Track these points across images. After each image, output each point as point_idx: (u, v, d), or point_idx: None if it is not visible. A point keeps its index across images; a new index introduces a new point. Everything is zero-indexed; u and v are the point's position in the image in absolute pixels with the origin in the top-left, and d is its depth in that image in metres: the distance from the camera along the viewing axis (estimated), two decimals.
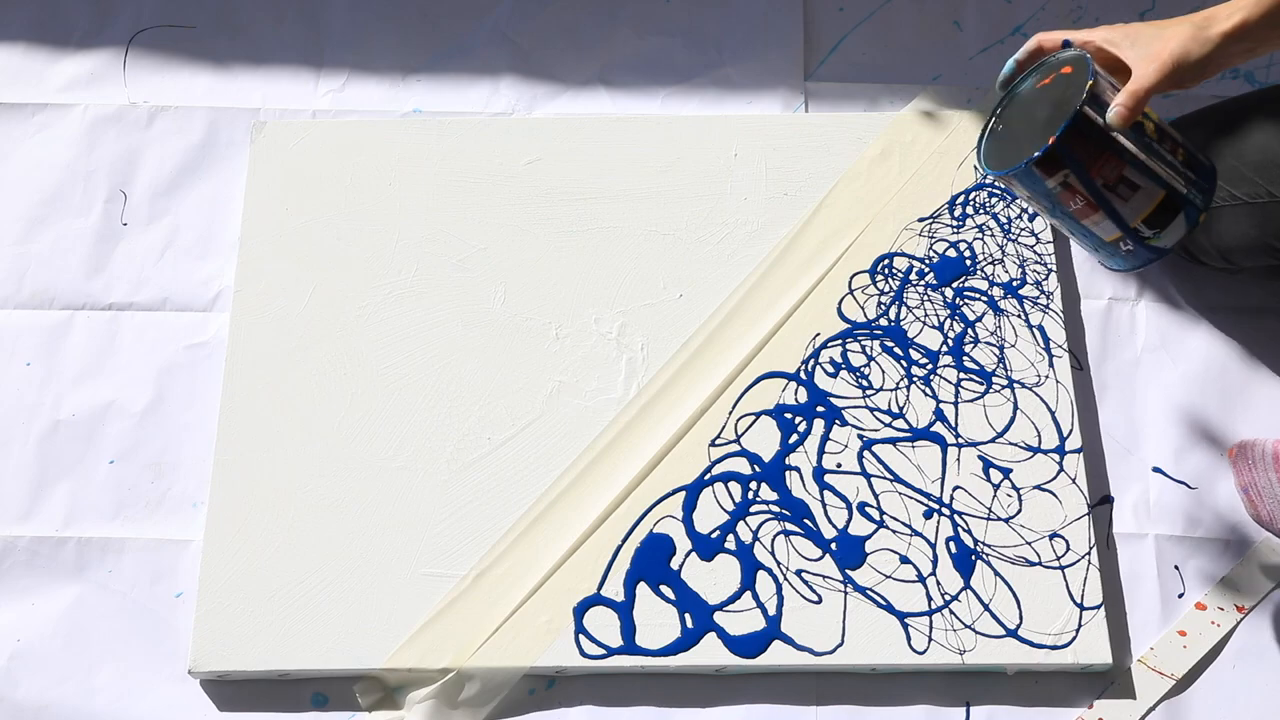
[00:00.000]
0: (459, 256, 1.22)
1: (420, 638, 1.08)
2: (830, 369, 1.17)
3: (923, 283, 1.20)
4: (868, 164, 1.26)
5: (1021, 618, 1.08)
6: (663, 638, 1.07)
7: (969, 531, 1.11)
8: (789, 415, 1.15)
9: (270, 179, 1.26)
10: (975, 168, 0.95)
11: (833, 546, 1.10)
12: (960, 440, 1.14)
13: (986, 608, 1.08)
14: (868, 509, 1.12)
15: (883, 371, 1.17)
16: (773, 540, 1.10)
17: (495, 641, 1.08)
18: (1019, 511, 1.12)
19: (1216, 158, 1.10)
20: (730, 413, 1.15)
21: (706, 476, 1.13)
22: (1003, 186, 0.94)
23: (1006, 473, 1.13)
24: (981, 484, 1.13)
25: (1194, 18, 0.91)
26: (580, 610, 1.09)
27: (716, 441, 1.14)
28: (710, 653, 1.07)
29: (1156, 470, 1.16)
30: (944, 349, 1.18)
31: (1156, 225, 0.91)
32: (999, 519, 1.11)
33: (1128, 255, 0.94)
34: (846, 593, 1.09)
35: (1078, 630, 1.07)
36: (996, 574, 1.09)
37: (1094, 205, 0.90)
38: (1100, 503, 1.14)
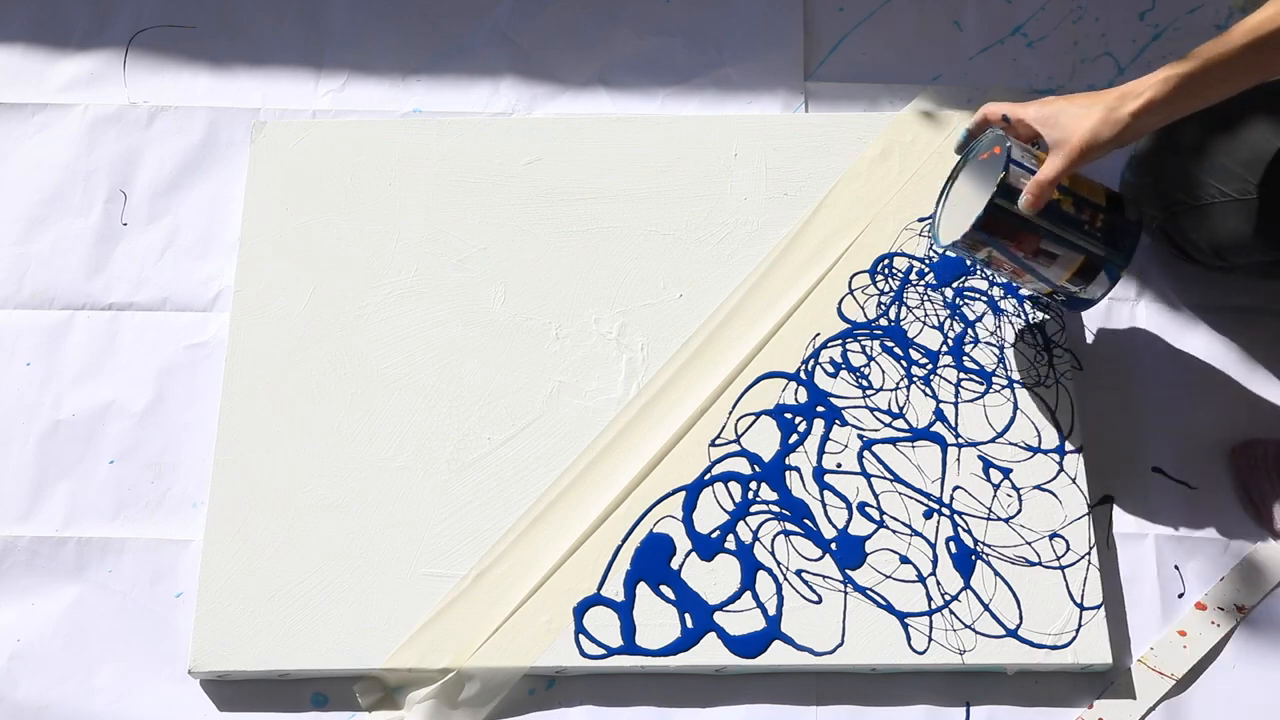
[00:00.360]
0: (459, 256, 1.22)
1: (420, 638, 1.08)
2: (830, 369, 1.17)
3: (923, 283, 1.20)
4: (868, 164, 1.26)
5: (1021, 618, 1.08)
6: (663, 638, 1.07)
7: (969, 531, 1.11)
8: (789, 415, 1.15)
9: (270, 179, 1.26)
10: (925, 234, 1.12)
11: (833, 546, 1.10)
12: (960, 440, 1.14)
13: (986, 608, 1.08)
14: (868, 509, 1.12)
15: (883, 371, 1.17)
16: (773, 540, 1.10)
17: (495, 641, 1.08)
18: (1019, 511, 1.12)
19: (1207, 155, 1.11)
20: (730, 413, 1.15)
21: (706, 476, 1.13)
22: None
23: (1006, 473, 1.13)
24: (981, 484, 1.13)
25: (1109, 96, 0.97)
26: (580, 610, 1.09)
27: (716, 441, 1.14)
28: (710, 653, 1.07)
29: (1156, 470, 1.16)
30: (944, 349, 1.18)
31: (1081, 283, 1.04)
32: (999, 519, 1.11)
33: (1064, 304, 1.07)
34: (846, 593, 1.09)
35: (1078, 630, 1.07)
36: (996, 574, 1.09)
37: (1021, 272, 1.04)
38: (1100, 503, 1.14)
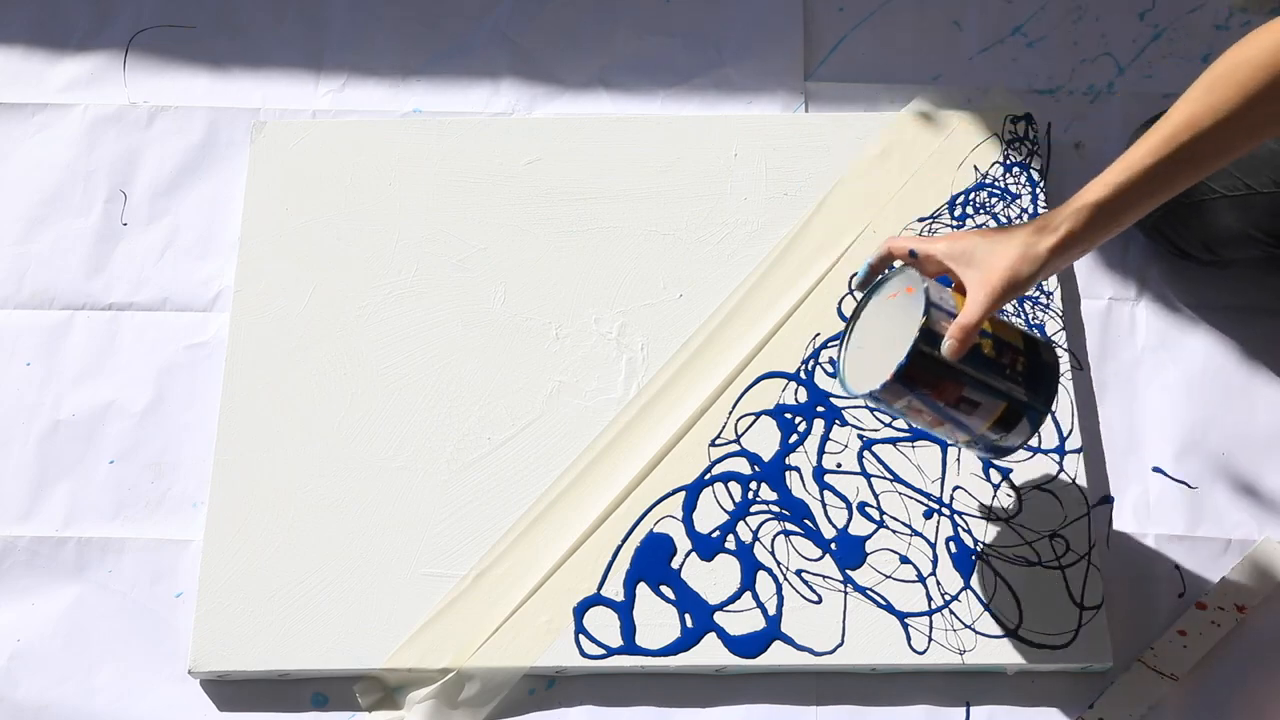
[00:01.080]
0: (459, 256, 1.22)
1: (420, 638, 1.08)
2: (830, 369, 1.17)
3: None
4: (868, 164, 1.26)
5: (1021, 618, 1.08)
6: (663, 638, 1.07)
7: (969, 531, 1.11)
8: (789, 415, 1.15)
9: (270, 179, 1.26)
10: (830, 372, 0.99)
11: (833, 546, 1.10)
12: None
13: (987, 608, 1.08)
14: (868, 509, 1.12)
15: None
16: (773, 540, 1.10)
17: (495, 641, 1.08)
18: (1019, 511, 1.12)
19: None
20: (730, 413, 1.15)
21: (706, 476, 1.13)
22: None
23: (1006, 473, 1.13)
24: (981, 484, 1.13)
25: (1024, 231, 0.92)
26: (580, 610, 1.09)
27: (716, 441, 1.14)
28: (710, 653, 1.07)
29: (1156, 470, 1.16)
30: None
31: (1002, 430, 0.95)
32: (999, 519, 1.11)
33: (981, 451, 0.99)
34: (846, 593, 1.09)
35: (1078, 630, 1.07)
36: (996, 574, 1.09)
37: (940, 421, 0.95)
38: (1100, 503, 1.14)
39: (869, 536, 1.11)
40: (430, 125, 1.29)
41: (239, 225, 1.25)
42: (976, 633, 1.07)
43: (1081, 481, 1.13)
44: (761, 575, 1.09)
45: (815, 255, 1.22)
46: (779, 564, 1.10)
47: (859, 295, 0.99)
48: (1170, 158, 0.90)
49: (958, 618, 1.08)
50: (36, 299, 1.24)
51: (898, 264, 0.96)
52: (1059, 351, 1.17)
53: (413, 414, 1.16)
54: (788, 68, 1.34)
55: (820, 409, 1.15)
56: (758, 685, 1.08)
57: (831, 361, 0.97)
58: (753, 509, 1.12)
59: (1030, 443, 1.00)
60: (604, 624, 1.08)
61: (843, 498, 1.12)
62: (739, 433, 1.14)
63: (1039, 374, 0.95)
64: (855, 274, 0.98)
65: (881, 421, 1.15)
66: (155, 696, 1.09)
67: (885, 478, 1.13)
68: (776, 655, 1.07)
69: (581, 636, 1.08)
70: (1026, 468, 1.13)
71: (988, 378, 0.93)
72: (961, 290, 0.93)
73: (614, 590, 1.09)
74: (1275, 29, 0.89)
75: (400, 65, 1.35)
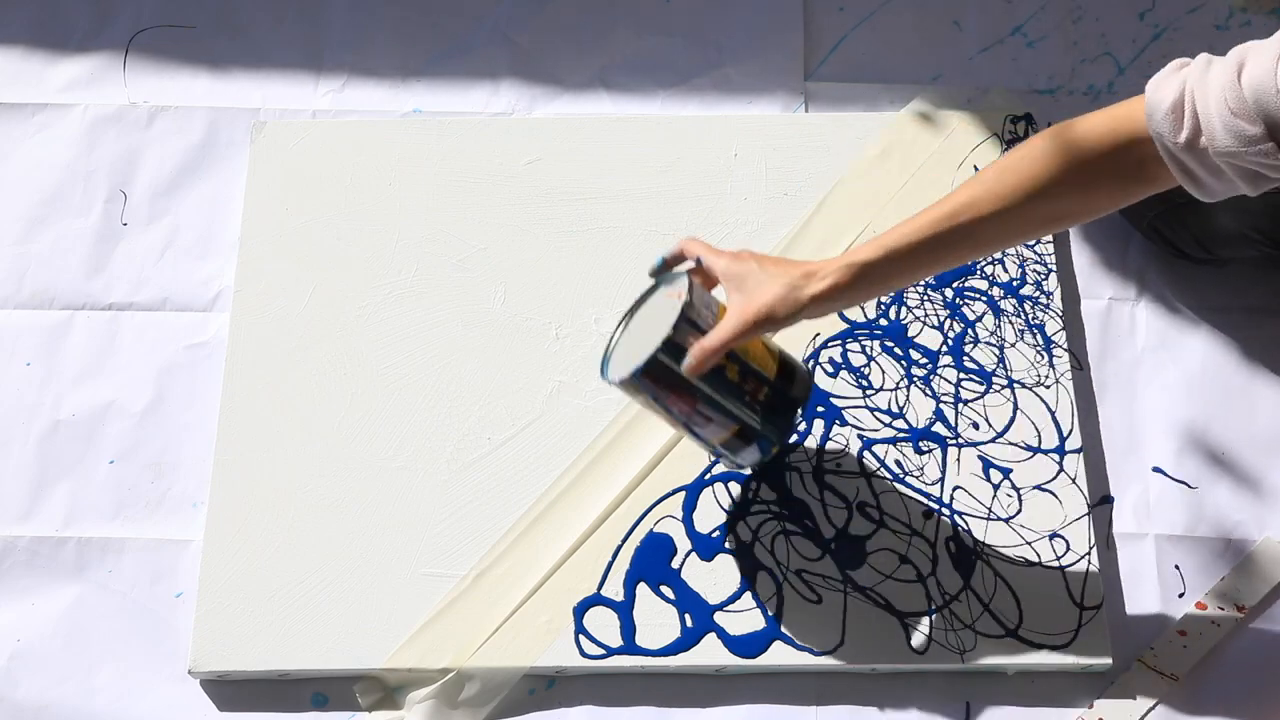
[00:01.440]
0: (459, 256, 1.22)
1: (420, 638, 1.08)
2: (830, 369, 1.17)
3: (923, 283, 1.20)
4: (868, 164, 1.26)
5: (1021, 618, 1.08)
6: (663, 638, 1.07)
7: (969, 531, 1.11)
8: None
9: (270, 179, 1.26)
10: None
11: (832, 546, 1.10)
12: (960, 440, 1.14)
13: (986, 608, 1.08)
14: (868, 509, 1.12)
15: (883, 371, 1.17)
16: (773, 540, 1.10)
17: (495, 641, 1.08)
18: (1019, 511, 1.12)
19: None
20: None
21: (706, 476, 1.13)
22: None
23: (1006, 473, 1.13)
24: (981, 484, 1.13)
25: (797, 272, 0.92)
26: (580, 610, 1.09)
27: None
28: (710, 653, 1.07)
29: (1156, 470, 1.16)
30: (944, 349, 1.18)
31: (732, 450, 0.98)
32: (999, 519, 1.11)
33: (722, 462, 1.02)
34: (846, 593, 1.09)
35: (1078, 630, 1.07)
36: (996, 574, 1.09)
37: (675, 423, 0.98)
38: (1100, 503, 1.14)
39: (869, 536, 1.11)
40: (430, 125, 1.29)
41: (239, 225, 1.25)
42: (976, 633, 1.07)
43: (1081, 481, 1.13)
44: (761, 575, 1.09)
45: (815, 255, 1.21)
46: (779, 564, 1.10)
47: (650, 282, 1.01)
48: (946, 234, 0.91)
49: (958, 618, 1.08)
50: (36, 299, 1.24)
51: (690, 263, 0.98)
52: (1060, 353, 1.17)
53: (413, 414, 1.16)
54: (788, 68, 1.34)
55: (820, 409, 1.15)
56: (758, 685, 1.08)
57: (613, 336, 1.01)
58: (753, 509, 1.12)
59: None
60: (604, 624, 1.08)
61: (843, 498, 1.12)
62: None
63: (778, 407, 0.97)
64: (653, 263, 1.00)
65: (882, 422, 1.15)
66: (155, 696, 1.09)
67: (885, 478, 1.13)
68: (776, 655, 1.07)
69: (581, 636, 1.08)
70: (1027, 468, 1.13)
71: (723, 399, 0.95)
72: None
73: (614, 590, 1.09)
74: (1071, 129, 0.89)
75: (400, 65, 1.35)
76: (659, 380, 0.93)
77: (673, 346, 0.92)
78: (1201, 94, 0.82)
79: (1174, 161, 0.85)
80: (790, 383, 0.98)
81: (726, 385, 0.95)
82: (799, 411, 0.98)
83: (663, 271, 1.00)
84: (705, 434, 0.98)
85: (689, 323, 0.93)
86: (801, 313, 0.92)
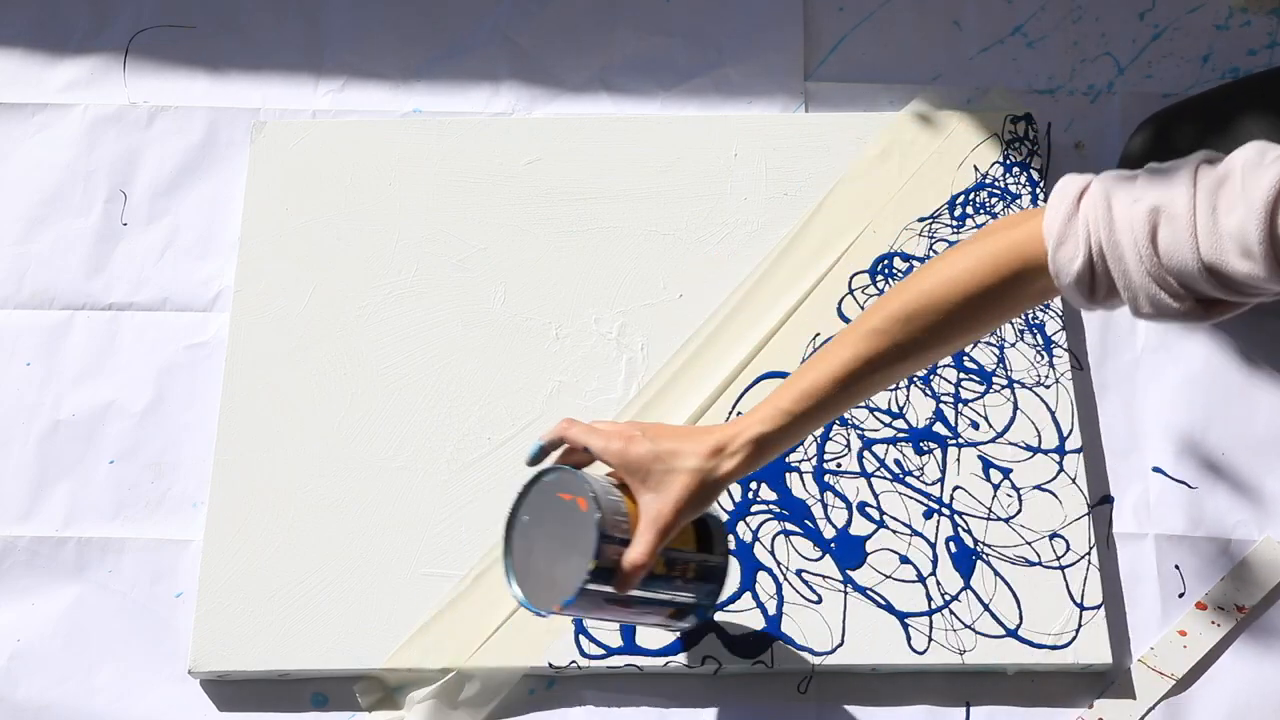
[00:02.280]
0: (459, 256, 1.22)
1: (420, 638, 1.08)
2: None
3: None
4: (868, 164, 1.26)
5: (1021, 618, 1.08)
6: (663, 638, 1.07)
7: (969, 531, 1.11)
8: None
9: (270, 179, 1.26)
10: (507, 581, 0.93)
11: (833, 546, 1.10)
12: (960, 440, 1.14)
13: (986, 608, 1.08)
14: (868, 509, 1.12)
15: None
16: (773, 540, 1.10)
17: (495, 641, 1.08)
18: (1019, 511, 1.12)
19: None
20: (730, 413, 1.15)
21: None
22: None
23: (1006, 473, 1.13)
24: (981, 484, 1.13)
25: (702, 454, 0.87)
26: None
27: None
28: (710, 653, 1.07)
29: (1156, 470, 1.16)
30: None
31: (669, 626, 0.98)
32: (999, 519, 1.11)
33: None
34: (846, 593, 1.09)
35: (1078, 630, 1.07)
36: (996, 574, 1.09)
37: (613, 621, 1.00)
38: (1100, 503, 1.14)
39: (869, 536, 1.11)
40: (430, 125, 1.29)
41: (239, 225, 1.25)
42: (976, 633, 1.07)
43: (1081, 481, 1.13)
44: (761, 575, 1.09)
45: (815, 255, 1.22)
46: (779, 564, 1.10)
47: (530, 471, 0.92)
48: (847, 392, 0.87)
49: (958, 618, 1.08)
50: (36, 299, 1.24)
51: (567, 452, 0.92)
52: (1060, 353, 1.17)
53: (413, 414, 1.16)
54: (788, 68, 1.34)
55: None
56: (757, 685, 1.08)
57: (507, 539, 0.93)
58: (753, 509, 1.12)
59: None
60: (604, 624, 1.08)
61: (843, 498, 1.12)
62: None
63: (707, 576, 0.95)
64: (529, 450, 0.93)
65: (882, 422, 1.15)
66: (155, 696, 1.09)
67: (885, 478, 1.13)
68: (776, 655, 1.07)
69: (581, 636, 1.08)
70: (1026, 468, 1.13)
71: (655, 593, 0.92)
72: (634, 498, 0.89)
73: None
74: (957, 276, 0.84)
75: (400, 65, 1.35)
76: (590, 603, 0.89)
77: (599, 571, 0.87)
78: (1115, 257, 0.77)
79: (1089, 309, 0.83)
80: (710, 547, 0.95)
81: (655, 581, 0.92)
82: (725, 573, 0.96)
83: (540, 459, 0.93)
84: (642, 622, 0.97)
85: (606, 539, 0.87)
86: (719, 490, 0.88)
